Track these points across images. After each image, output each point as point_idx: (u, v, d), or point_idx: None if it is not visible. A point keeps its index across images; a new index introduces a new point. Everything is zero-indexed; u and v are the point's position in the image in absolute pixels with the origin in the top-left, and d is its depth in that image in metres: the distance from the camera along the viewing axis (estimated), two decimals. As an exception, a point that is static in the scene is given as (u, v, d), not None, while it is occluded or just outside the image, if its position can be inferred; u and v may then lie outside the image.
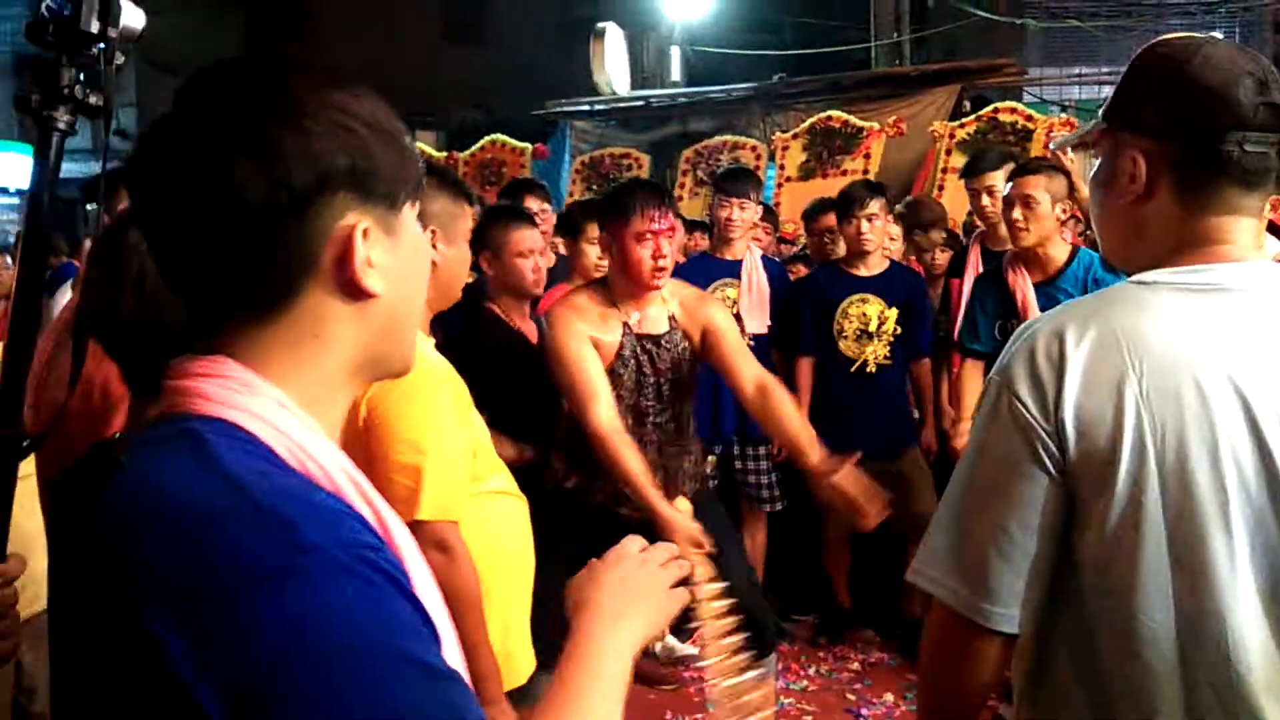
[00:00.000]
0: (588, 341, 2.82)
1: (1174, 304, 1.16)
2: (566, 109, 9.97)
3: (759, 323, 4.09)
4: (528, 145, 8.78)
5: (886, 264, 4.14)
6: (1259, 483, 1.10)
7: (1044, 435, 1.14)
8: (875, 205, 3.99)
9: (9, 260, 5.40)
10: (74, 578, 0.78)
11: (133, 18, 1.22)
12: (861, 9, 13.06)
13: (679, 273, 4.11)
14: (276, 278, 0.82)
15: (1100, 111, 1.29)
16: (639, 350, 2.90)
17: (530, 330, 3.28)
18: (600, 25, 10.97)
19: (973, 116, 7.44)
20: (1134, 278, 1.22)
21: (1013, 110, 7.40)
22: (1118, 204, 1.26)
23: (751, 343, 3.97)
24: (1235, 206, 1.19)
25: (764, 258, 4.29)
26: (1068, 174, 3.44)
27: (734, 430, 4.11)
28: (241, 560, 0.69)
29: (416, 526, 1.73)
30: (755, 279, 4.11)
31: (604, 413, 2.73)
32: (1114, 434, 1.11)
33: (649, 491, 2.63)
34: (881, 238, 4.07)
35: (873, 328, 4.04)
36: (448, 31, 22.40)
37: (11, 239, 11.27)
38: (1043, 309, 3.22)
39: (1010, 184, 3.46)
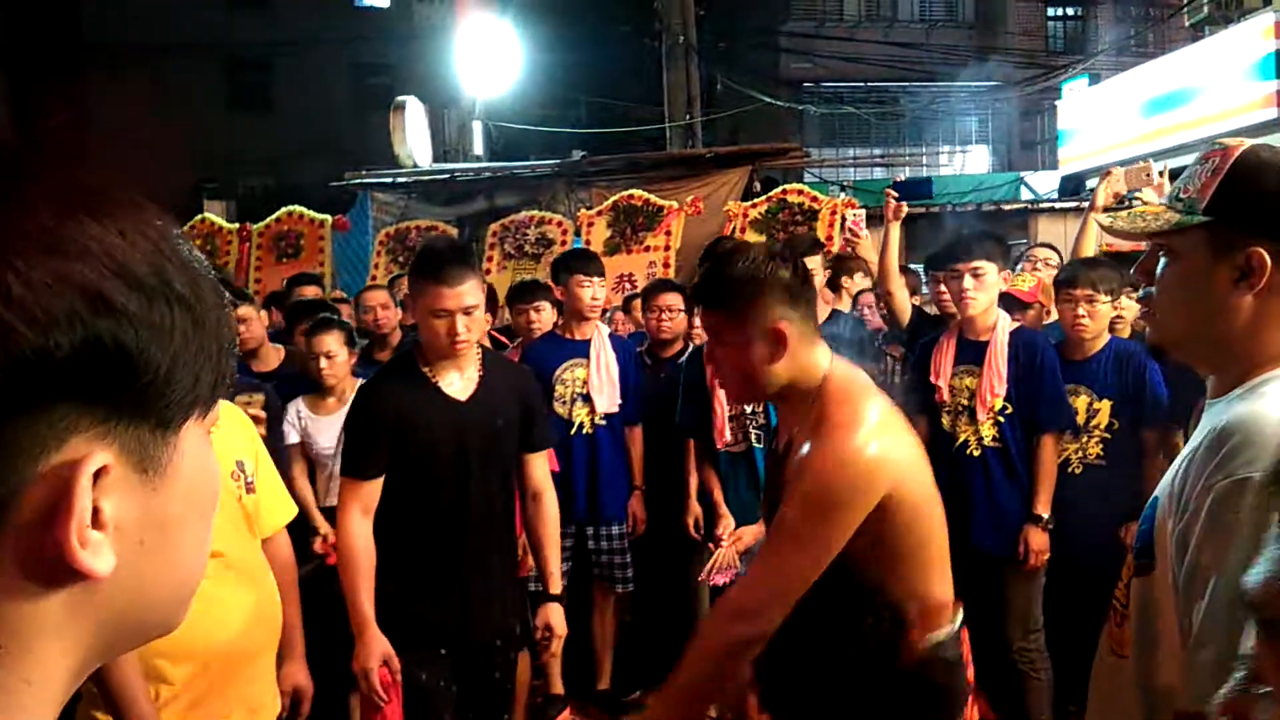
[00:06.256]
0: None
1: None
2: (367, 180, 9.85)
3: (609, 401, 4.08)
4: (327, 217, 8.57)
5: None
6: None
7: None
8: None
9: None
10: None
11: None
12: (655, 91, 13.65)
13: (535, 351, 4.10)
14: None
15: (1185, 204, 1.31)
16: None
17: None
18: (400, 98, 10.97)
19: (764, 197, 7.90)
20: None
21: (799, 191, 7.92)
22: (1219, 300, 1.28)
23: (603, 421, 4.06)
24: None
25: (611, 335, 4.31)
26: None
27: (585, 510, 4.05)
28: None
29: None
30: (604, 358, 4.11)
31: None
32: None
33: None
34: None
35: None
36: (234, 99, 21.73)
37: None
38: None
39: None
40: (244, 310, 4.24)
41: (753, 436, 3.71)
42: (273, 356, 4.31)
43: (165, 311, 0.52)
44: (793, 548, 1.71)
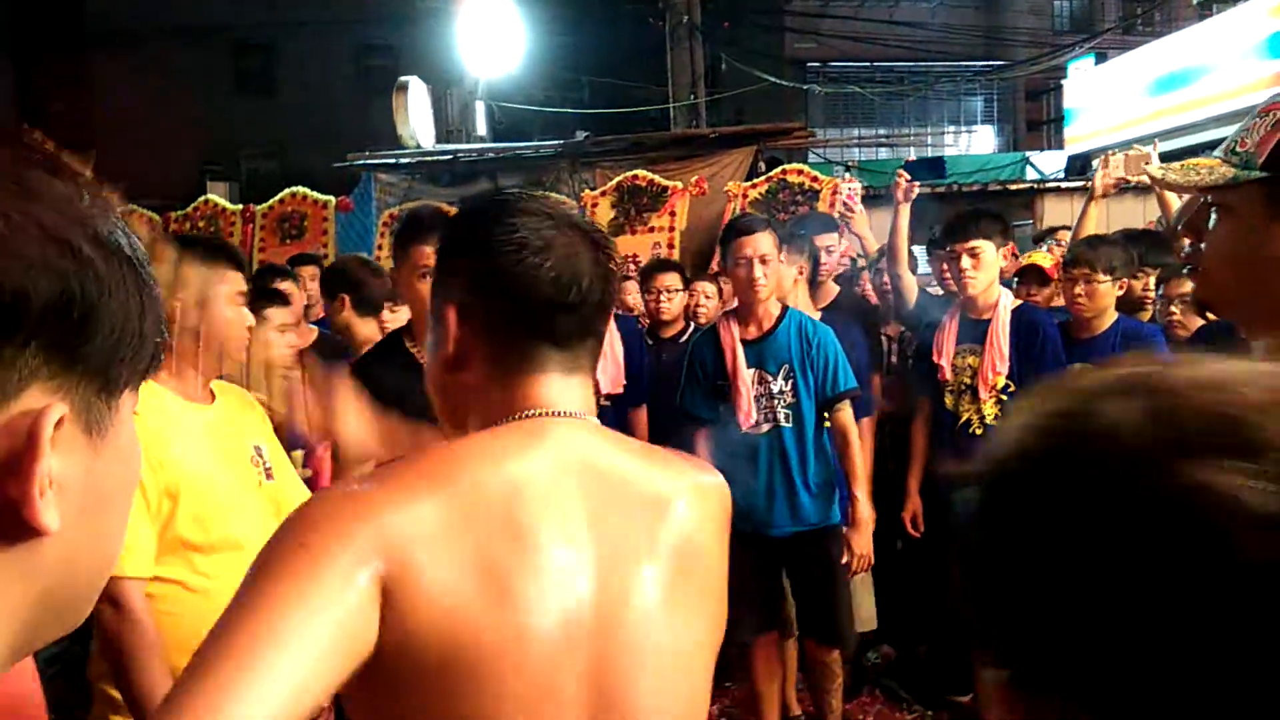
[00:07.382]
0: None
1: None
2: (370, 161, 9.83)
3: (613, 382, 4.05)
4: (330, 198, 8.58)
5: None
6: None
7: None
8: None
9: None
10: None
11: None
12: (659, 71, 13.58)
13: None
14: None
15: (1242, 159, 1.24)
16: None
17: None
18: (403, 79, 10.93)
19: (764, 177, 7.88)
20: None
21: (800, 171, 7.88)
22: (1274, 259, 1.23)
23: (607, 402, 4.03)
24: None
25: (618, 316, 4.27)
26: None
27: None
28: None
29: None
30: (608, 339, 4.04)
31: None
32: None
33: None
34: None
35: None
36: (236, 81, 21.66)
37: None
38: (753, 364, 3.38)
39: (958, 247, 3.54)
40: (285, 285, 4.15)
41: (780, 415, 3.38)
42: (307, 336, 4.25)
43: (118, 269, 0.51)
44: (219, 630, 0.86)
